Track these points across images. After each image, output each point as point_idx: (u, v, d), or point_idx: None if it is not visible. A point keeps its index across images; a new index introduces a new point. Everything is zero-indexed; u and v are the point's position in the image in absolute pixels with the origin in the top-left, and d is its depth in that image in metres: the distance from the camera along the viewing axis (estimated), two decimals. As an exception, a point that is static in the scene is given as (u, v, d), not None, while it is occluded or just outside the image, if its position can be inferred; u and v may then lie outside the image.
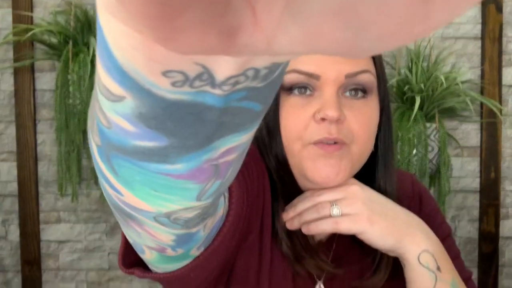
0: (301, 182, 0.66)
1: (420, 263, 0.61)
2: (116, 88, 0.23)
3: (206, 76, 0.20)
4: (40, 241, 2.00)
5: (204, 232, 0.43)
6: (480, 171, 1.98)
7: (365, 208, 0.61)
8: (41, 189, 1.99)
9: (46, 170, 1.99)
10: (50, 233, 2.00)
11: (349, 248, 0.70)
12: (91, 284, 2.01)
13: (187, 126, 0.24)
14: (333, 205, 0.62)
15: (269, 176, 0.66)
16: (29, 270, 1.99)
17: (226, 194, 0.48)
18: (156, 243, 0.40)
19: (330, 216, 0.62)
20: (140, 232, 0.38)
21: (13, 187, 1.98)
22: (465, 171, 1.99)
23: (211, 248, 0.48)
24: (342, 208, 0.62)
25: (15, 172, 1.98)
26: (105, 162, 0.30)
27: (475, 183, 1.99)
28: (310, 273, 0.67)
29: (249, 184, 0.61)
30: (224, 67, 0.20)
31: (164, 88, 0.21)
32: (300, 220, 0.64)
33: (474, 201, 1.99)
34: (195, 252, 0.47)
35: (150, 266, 0.49)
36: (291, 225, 0.64)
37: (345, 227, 0.61)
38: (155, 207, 0.32)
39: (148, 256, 0.46)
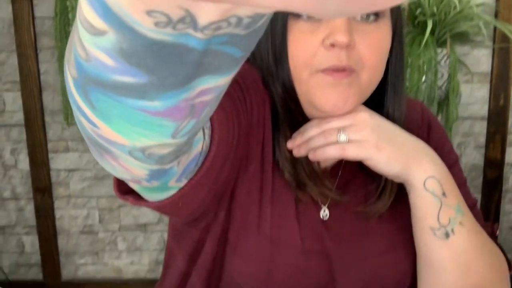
0: (308, 110, 0.65)
1: (425, 188, 0.62)
2: (98, 22, 0.22)
3: (189, 19, 0.21)
4: (50, 170, 2.03)
5: (179, 167, 0.44)
6: (489, 98, 1.95)
7: (372, 135, 0.61)
8: (47, 118, 2.00)
9: (51, 99, 1.98)
10: (59, 162, 2.03)
11: (354, 175, 0.70)
12: (103, 210, 2.07)
13: (167, 65, 0.24)
14: (340, 131, 0.61)
15: (271, 105, 0.65)
16: (41, 197, 2.04)
17: (207, 131, 0.48)
18: (131, 176, 0.42)
19: (337, 142, 0.61)
20: (115, 165, 0.39)
21: (20, 116, 1.99)
22: (474, 97, 1.96)
23: (195, 180, 0.49)
24: (350, 134, 0.61)
25: (20, 101, 1.97)
26: (82, 95, 0.30)
27: (483, 110, 1.97)
28: (314, 199, 0.68)
29: (245, 114, 0.60)
30: (207, 12, 0.20)
31: (147, 27, 0.21)
32: (307, 147, 0.63)
33: (481, 128, 1.98)
34: (174, 184, 0.48)
35: (141, 195, 0.51)
36: (298, 152, 0.64)
37: (352, 153, 0.61)
38: (130, 141, 0.33)
39: (132, 186, 0.47)
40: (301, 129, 0.65)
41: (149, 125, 0.30)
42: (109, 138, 0.33)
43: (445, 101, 1.85)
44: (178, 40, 0.22)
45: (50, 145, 2.01)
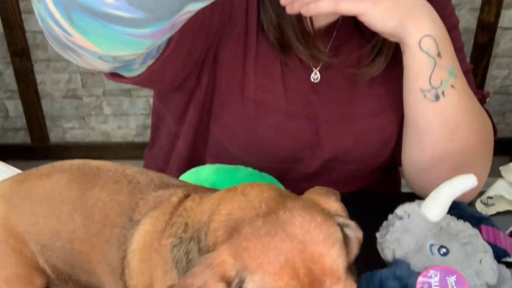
0: None
1: (420, 48, 0.59)
2: None
3: None
4: (25, 32, 1.93)
5: (139, 59, 0.46)
6: (491, -45, 1.83)
7: None
8: (15, -25, 1.85)
9: (17, -47, 1.82)
10: (34, 23, 1.92)
11: (350, 36, 0.68)
12: (85, 75, 2.02)
13: (168, 6, 0.26)
14: None
15: None
16: (19, 61, 1.97)
17: None
18: (93, 68, 0.44)
19: None
20: (78, 60, 0.40)
21: (-15, -28, 1.83)
22: (475, -45, 1.84)
23: (162, 58, 0.50)
24: None
25: (-17, -45, 1.80)
26: (62, 11, 0.30)
27: (483, -32, 1.86)
28: (305, 62, 0.66)
29: None
30: None
31: None
32: (300, 2, 0.59)
33: (478, -12, 1.89)
34: (139, 67, 0.50)
35: None
36: (291, 9, 0.61)
37: (346, 7, 0.57)
38: (105, 52, 0.34)
39: None
40: None
41: (131, 44, 0.32)
42: (82, 45, 0.33)
43: (445, -42, 1.74)
44: None
45: (22, 5, 1.89)
